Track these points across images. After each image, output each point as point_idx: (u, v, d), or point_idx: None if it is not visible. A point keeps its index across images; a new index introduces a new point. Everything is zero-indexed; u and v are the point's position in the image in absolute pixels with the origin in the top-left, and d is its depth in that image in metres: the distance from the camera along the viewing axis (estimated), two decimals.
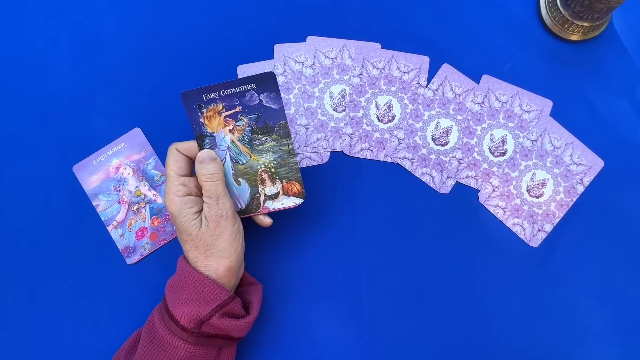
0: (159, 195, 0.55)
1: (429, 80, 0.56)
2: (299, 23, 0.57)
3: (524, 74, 0.56)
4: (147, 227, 0.54)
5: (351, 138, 0.55)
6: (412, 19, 0.57)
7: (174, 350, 0.43)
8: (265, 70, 0.47)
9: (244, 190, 0.47)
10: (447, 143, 0.55)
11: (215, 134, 0.46)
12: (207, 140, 0.46)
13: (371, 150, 0.55)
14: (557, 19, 0.55)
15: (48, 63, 0.57)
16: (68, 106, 0.56)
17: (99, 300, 0.53)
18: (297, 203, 0.48)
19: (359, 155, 0.55)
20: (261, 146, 0.47)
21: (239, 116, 0.46)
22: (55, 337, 0.53)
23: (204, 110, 0.46)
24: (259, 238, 0.54)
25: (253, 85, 0.45)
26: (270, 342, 0.52)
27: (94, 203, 0.54)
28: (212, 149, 0.46)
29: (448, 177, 0.55)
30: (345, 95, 0.56)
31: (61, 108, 0.56)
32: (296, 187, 0.48)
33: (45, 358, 0.53)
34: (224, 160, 0.47)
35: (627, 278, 0.53)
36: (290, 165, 0.47)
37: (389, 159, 0.55)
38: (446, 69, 0.56)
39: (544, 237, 0.54)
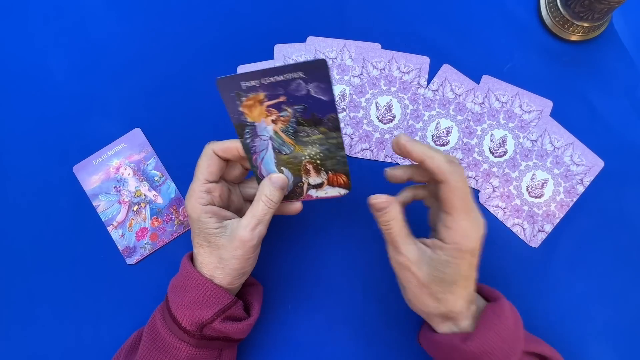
0: (159, 196, 0.55)
1: (429, 81, 0.56)
2: (299, 23, 0.57)
3: (524, 74, 0.56)
4: (147, 228, 0.54)
5: (351, 138, 0.55)
6: (412, 20, 0.57)
7: (175, 352, 0.43)
8: (315, 58, 0.41)
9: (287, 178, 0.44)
10: (447, 143, 0.55)
11: (256, 123, 0.42)
12: (247, 130, 0.42)
13: (371, 151, 0.55)
14: (557, 19, 0.55)
15: (48, 63, 0.57)
16: (68, 106, 0.56)
17: (99, 301, 0.53)
18: (342, 193, 0.45)
19: (359, 156, 0.55)
20: (307, 138, 0.42)
21: (282, 107, 0.41)
22: (55, 337, 0.53)
23: (243, 98, 0.40)
24: None
25: (300, 74, 0.39)
26: (271, 343, 0.52)
27: (94, 203, 0.54)
28: (253, 139, 0.42)
29: None
30: (345, 95, 0.56)
31: (61, 108, 0.56)
32: (342, 178, 0.44)
33: (45, 358, 0.53)
34: (266, 150, 0.43)
35: (627, 278, 0.53)
36: (338, 158, 0.43)
37: (389, 160, 0.55)
38: (446, 70, 0.56)
39: (544, 237, 0.54)
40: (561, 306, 0.53)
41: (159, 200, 0.55)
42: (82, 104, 0.56)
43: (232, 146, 0.43)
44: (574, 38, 0.56)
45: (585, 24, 0.54)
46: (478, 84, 0.56)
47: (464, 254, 0.40)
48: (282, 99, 0.40)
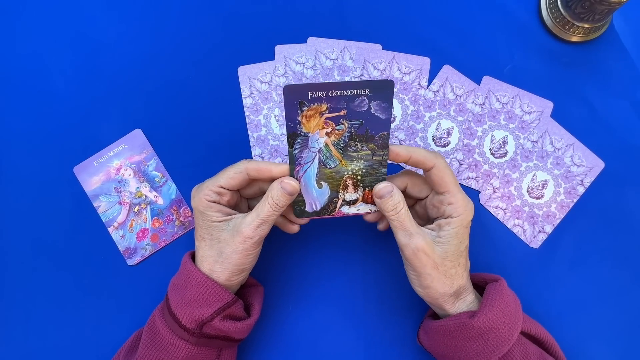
0: (160, 197, 0.55)
1: (429, 82, 0.56)
2: (300, 24, 0.57)
3: (524, 75, 0.56)
4: (148, 229, 0.54)
5: None
6: (413, 20, 0.57)
7: (174, 350, 0.43)
8: (382, 78, 0.44)
9: (323, 194, 0.45)
10: (448, 144, 0.55)
11: (309, 135, 0.43)
12: (298, 140, 0.43)
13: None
14: (557, 20, 0.55)
15: (49, 64, 0.57)
16: (69, 107, 0.56)
17: (100, 302, 0.53)
18: (373, 210, 0.46)
19: None
20: (354, 153, 0.44)
21: (341, 120, 0.43)
22: (56, 337, 0.53)
23: (305, 108, 0.42)
24: None
25: (367, 91, 0.41)
26: (271, 343, 0.52)
27: (95, 204, 0.54)
28: (302, 150, 0.43)
29: None
30: None
31: (62, 109, 0.56)
32: None
33: (45, 358, 0.53)
34: (311, 162, 0.44)
35: (627, 278, 0.53)
36: (378, 175, 0.45)
37: (388, 161, 0.55)
38: (447, 70, 0.56)
39: (544, 238, 0.54)
40: (561, 306, 0.53)
41: (160, 201, 0.55)
42: (83, 104, 0.56)
43: (266, 168, 0.44)
44: (574, 39, 0.56)
45: (586, 25, 0.54)
46: (479, 84, 0.56)
47: (468, 224, 0.44)
48: (342, 112, 0.42)
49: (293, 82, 0.56)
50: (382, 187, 0.44)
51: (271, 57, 0.56)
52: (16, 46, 0.57)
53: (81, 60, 0.57)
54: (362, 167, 0.44)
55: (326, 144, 0.44)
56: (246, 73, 0.56)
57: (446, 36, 0.57)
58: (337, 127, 0.43)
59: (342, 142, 0.44)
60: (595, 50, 0.57)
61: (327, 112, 0.42)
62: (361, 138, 0.44)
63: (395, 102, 0.56)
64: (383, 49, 0.56)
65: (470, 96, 0.56)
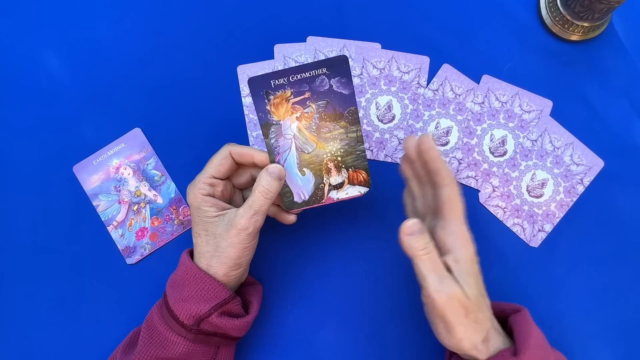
0: (159, 196, 0.55)
1: (429, 81, 0.56)
2: (299, 23, 0.57)
3: (524, 74, 0.56)
4: (147, 227, 0.54)
5: None
6: (412, 19, 0.57)
7: (172, 346, 0.43)
8: (337, 55, 0.46)
9: (308, 181, 0.45)
10: (447, 143, 0.55)
11: (281, 122, 0.44)
12: (272, 129, 0.44)
13: (371, 151, 0.55)
14: (557, 19, 0.55)
15: (48, 63, 0.57)
16: (68, 106, 0.56)
17: (99, 300, 0.53)
18: (363, 192, 0.46)
19: None
20: (328, 134, 0.45)
21: (307, 102, 0.44)
22: (55, 337, 0.53)
23: (272, 97, 0.44)
24: (259, 238, 0.53)
25: (324, 70, 0.43)
26: (270, 342, 0.52)
27: (94, 203, 0.54)
28: (278, 139, 0.44)
29: None
30: None
31: (61, 108, 0.56)
32: (362, 175, 0.46)
33: (45, 358, 0.53)
34: (289, 150, 0.45)
35: (627, 278, 0.53)
36: (358, 152, 0.45)
37: (389, 159, 0.55)
38: (446, 69, 0.56)
39: (544, 237, 0.54)
40: (561, 306, 0.53)
41: (159, 200, 0.55)
42: (82, 103, 0.56)
43: (248, 153, 0.44)
44: (574, 38, 0.56)
45: (585, 24, 0.54)
46: (478, 83, 0.56)
47: (475, 257, 0.39)
48: (306, 95, 0.44)
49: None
50: (411, 223, 0.39)
51: (270, 56, 0.56)
52: (15, 45, 0.58)
53: (81, 59, 0.57)
54: (339, 147, 0.45)
55: (299, 129, 0.44)
56: (245, 72, 0.56)
57: (445, 35, 0.57)
58: (305, 110, 0.44)
59: (313, 124, 0.45)
60: (595, 49, 0.57)
61: (292, 97, 0.44)
62: (331, 117, 0.45)
63: (394, 100, 0.56)
64: (382, 47, 0.56)
65: (469, 95, 0.56)
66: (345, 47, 0.56)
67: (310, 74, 0.43)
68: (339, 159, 0.45)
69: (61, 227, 0.54)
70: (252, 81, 0.43)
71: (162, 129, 0.56)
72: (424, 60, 0.56)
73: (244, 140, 0.55)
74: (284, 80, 0.43)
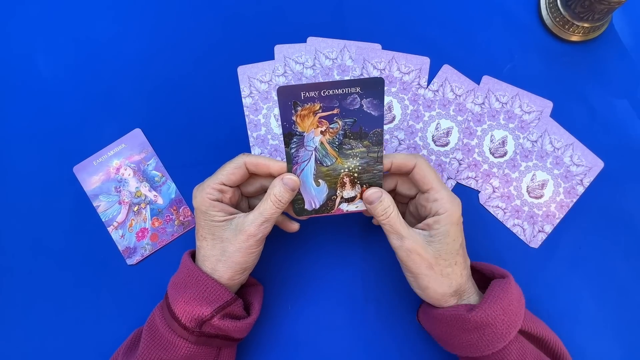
0: (159, 196, 0.55)
1: (429, 81, 0.56)
2: (300, 24, 0.57)
3: (524, 75, 0.56)
4: (147, 228, 0.54)
5: None
6: (413, 20, 0.57)
7: (174, 349, 0.43)
8: (373, 76, 0.46)
9: (321, 191, 0.46)
10: (447, 144, 0.55)
11: (305, 134, 0.44)
12: (294, 139, 0.44)
13: None
14: (557, 19, 0.55)
15: (48, 63, 0.57)
16: (68, 107, 0.56)
17: (100, 301, 0.53)
18: None
19: None
20: (350, 151, 0.45)
21: (334, 119, 0.44)
22: (55, 336, 0.53)
23: (299, 108, 0.43)
24: None
25: (358, 89, 0.43)
26: (270, 342, 0.52)
27: (95, 204, 0.54)
28: (298, 149, 0.44)
29: (448, 178, 0.55)
30: None
31: (62, 108, 0.56)
32: None
33: (45, 358, 0.53)
34: (308, 161, 0.45)
35: (627, 279, 0.53)
36: (375, 172, 0.45)
37: None
38: (446, 70, 0.56)
39: (544, 238, 0.54)
40: (561, 306, 0.53)
41: (159, 201, 0.55)
42: (83, 104, 0.56)
43: (265, 163, 0.45)
44: (574, 38, 0.56)
45: (586, 25, 0.54)
46: (478, 84, 0.56)
47: (457, 220, 0.44)
48: (335, 111, 0.44)
49: (293, 82, 0.56)
50: (371, 192, 0.44)
51: (271, 56, 0.56)
52: (15, 46, 0.58)
53: (81, 60, 0.57)
54: (358, 164, 0.45)
55: (321, 143, 0.44)
56: (246, 73, 0.56)
57: (446, 36, 0.57)
58: (331, 126, 0.44)
59: (337, 140, 0.44)
60: (595, 50, 0.57)
61: (320, 111, 0.43)
62: (355, 135, 0.44)
63: (394, 101, 0.56)
64: (382, 48, 0.56)
65: (469, 96, 0.56)
66: (345, 48, 0.56)
67: (343, 91, 0.43)
68: (356, 175, 0.45)
69: (61, 228, 0.54)
70: (281, 90, 0.42)
71: (162, 130, 0.56)
72: (424, 61, 0.56)
73: (243, 140, 0.55)
74: (315, 94, 0.43)
